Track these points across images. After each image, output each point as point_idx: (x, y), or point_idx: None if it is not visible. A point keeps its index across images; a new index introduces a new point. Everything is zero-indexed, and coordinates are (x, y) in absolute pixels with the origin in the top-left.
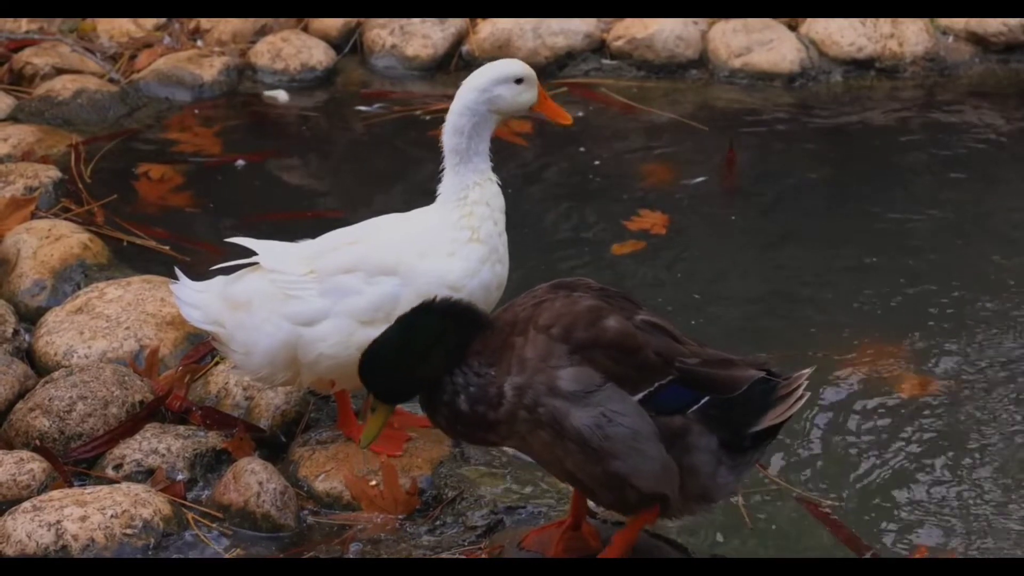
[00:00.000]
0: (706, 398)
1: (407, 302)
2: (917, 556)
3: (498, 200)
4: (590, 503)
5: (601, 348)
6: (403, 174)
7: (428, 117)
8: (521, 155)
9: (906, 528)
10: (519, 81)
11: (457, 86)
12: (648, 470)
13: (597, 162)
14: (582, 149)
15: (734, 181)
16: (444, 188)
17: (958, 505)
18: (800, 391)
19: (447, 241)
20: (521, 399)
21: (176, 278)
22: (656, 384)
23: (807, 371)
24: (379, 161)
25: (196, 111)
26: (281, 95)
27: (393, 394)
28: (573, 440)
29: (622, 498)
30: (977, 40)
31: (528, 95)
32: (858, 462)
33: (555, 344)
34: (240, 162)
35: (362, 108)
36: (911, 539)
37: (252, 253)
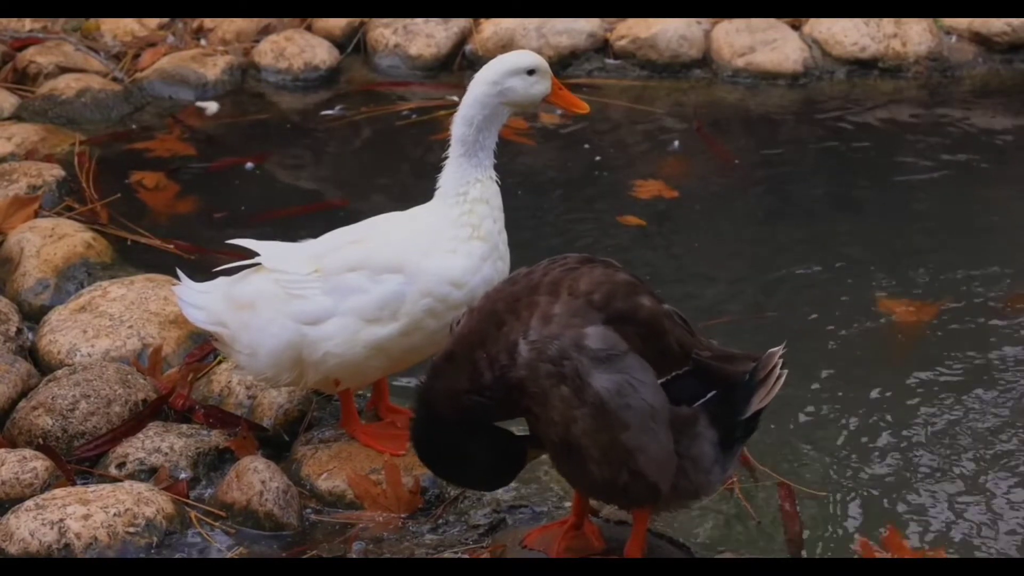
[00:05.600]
0: (712, 393)
1: (412, 299)
2: (907, 553)
3: (497, 199)
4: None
5: (634, 324)
6: (396, 170)
7: (415, 116)
8: (523, 153)
9: (894, 518)
10: (531, 72)
11: (460, 85)
12: (654, 453)
13: (599, 157)
14: (587, 146)
15: (717, 146)
16: (444, 181)
17: (947, 493)
18: (777, 370)
19: (449, 239)
20: (543, 352)
21: (178, 280)
22: (673, 374)
23: (779, 349)
24: (369, 159)
25: (200, 110)
26: (212, 106)
27: (508, 464)
28: (591, 402)
29: (615, 479)
30: (981, 40)
31: (541, 86)
32: (848, 446)
33: (590, 310)
34: (249, 164)
35: (327, 112)
36: (899, 526)
37: (254, 254)
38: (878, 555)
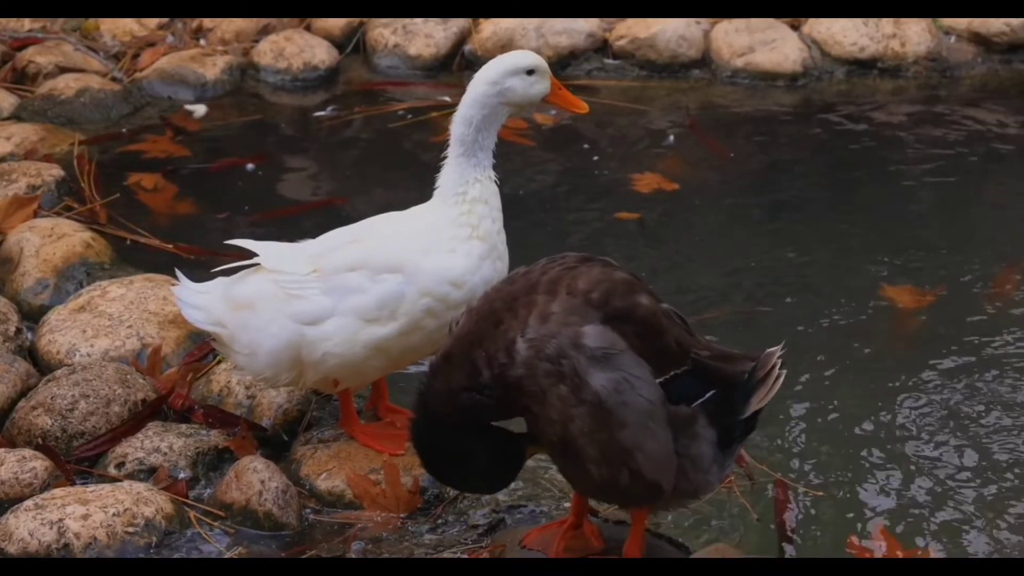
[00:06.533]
0: (711, 392)
1: (411, 299)
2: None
3: (496, 199)
4: (591, 501)
5: (632, 323)
6: (395, 170)
7: (410, 116)
8: (522, 153)
9: (892, 516)
10: (531, 72)
11: (459, 85)
12: (652, 451)
13: (596, 157)
14: (585, 146)
15: (712, 141)
16: (443, 181)
17: (946, 490)
18: (776, 370)
19: (448, 238)
20: (541, 350)
21: (177, 280)
22: (672, 373)
23: (778, 349)
24: (367, 159)
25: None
26: (200, 109)
27: (506, 460)
28: (589, 400)
29: (614, 479)
30: (980, 40)
31: (540, 86)
32: (847, 443)
33: (588, 308)
34: (250, 165)
35: (320, 113)
36: (897, 528)
37: (253, 254)
38: (869, 554)
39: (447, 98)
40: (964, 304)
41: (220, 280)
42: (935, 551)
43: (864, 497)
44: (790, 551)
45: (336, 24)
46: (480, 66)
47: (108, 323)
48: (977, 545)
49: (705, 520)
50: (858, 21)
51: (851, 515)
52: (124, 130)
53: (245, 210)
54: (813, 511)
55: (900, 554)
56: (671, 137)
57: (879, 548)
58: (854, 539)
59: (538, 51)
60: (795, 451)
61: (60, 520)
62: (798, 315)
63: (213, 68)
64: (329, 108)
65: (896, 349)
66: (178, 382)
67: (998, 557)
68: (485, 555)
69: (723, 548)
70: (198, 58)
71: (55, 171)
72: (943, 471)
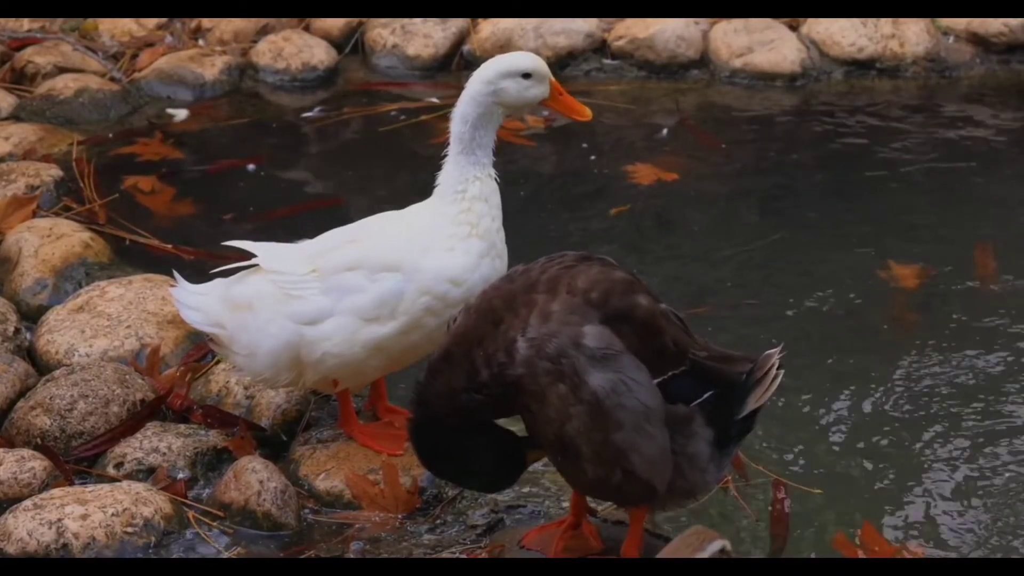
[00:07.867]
0: (709, 393)
1: (410, 298)
2: (907, 554)
3: (496, 197)
4: (590, 502)
5: (631, 323)
6: (393, 169)
7: (403, 116)
8: (521, 152)
9: (890, 516)
10: (527, 76)
11: (458, 86)
12: (648, 452)
13: (593, 156)
14: (584, 145)
15: (705, 136)
16: (443, 179)
17: (946, 489)
18: (774, 371)
19: (447, 236)
20: (542, 349)
21: (176, 281)
22: (670, 374)
23: (777, 350)
24: (363, 160)
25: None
26: (181, 113)
27: (505, 460)
28: (587, 400)
29: (609, 478)
30: (978, 41)
31: (536, 91)
32: (846, 443)
33: (587, 308)
34: (251, 166)
35: (308, 114)
36: (891, 528)
37: (252, 255)
38: (859, 552)
39: (436, 99)
40: (963, 303)
41: (218, 281)
42: (931, 550)
43: (862, 496)
44: (787, 551)
45: (335, 24)
46: (478, 66)
47: (107, 323)
48: (976, 544)
49: (702, 520)
50: (856, 21)
51: (849, 515)
52: (110, 135)
53: (246, 211)
54: (811, 510)
55: (880, 552)
56: (664, 131)
57: (867, 548)
58: (843, 536)
59: (536, 51)
60: (793, 449)
61: (59, 520)
62: (792, 311)
63: (212, 68)
64: (316, 109)
65: (893, 344)
66: (177, 382)
67: (998, 557)
68: (484, 555)
69: (702, 531)
70: (197, 58)
71: (54, 171)
72: (943, 468)
